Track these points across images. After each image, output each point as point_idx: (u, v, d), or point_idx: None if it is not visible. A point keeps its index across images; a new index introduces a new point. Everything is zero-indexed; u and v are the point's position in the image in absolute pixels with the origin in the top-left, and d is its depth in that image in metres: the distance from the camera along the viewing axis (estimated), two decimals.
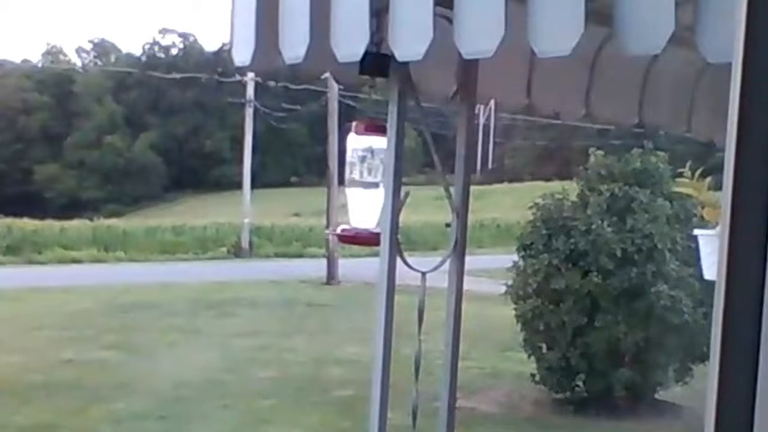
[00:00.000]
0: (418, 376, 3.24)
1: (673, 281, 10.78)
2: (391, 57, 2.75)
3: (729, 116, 1.16)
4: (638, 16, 2.20)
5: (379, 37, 2.80)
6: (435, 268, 3.27)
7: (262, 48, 2.99)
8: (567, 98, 4.02)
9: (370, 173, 3.22)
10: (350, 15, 2.72)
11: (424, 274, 3.23)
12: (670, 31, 2.13)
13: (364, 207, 3.25)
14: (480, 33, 2.42)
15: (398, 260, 3.10)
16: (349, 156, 3.27)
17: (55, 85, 73.05)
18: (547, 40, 2.32)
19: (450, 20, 2.52)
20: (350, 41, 2.73)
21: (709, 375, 1.17)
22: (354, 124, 3.30)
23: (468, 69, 3.35)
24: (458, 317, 3.40)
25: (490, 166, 62.46)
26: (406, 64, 2.90)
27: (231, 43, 3.16)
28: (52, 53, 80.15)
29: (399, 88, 3.03)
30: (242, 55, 3.06)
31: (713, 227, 3.49)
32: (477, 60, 3.16)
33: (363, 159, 3.23)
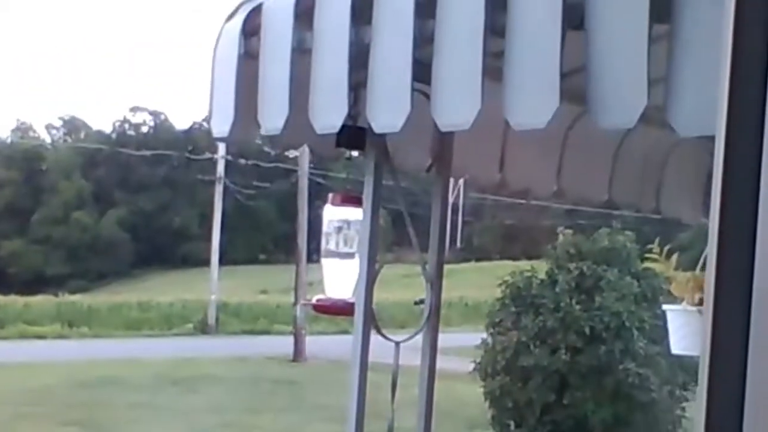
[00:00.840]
0: None
1: (641, 359, 10.82)
2: (368, 129, 2.80)
3: (713, 190, 1.18)
4: (612, 91, 2.26)
5: (357, 110, 2.85)
6: (410, 338, 3.29)
7: (241, 120, 3.03)
8: (539, 175, 4.08)
9: (346, 244, 3.26)
10: (329, 88, 2.77)
11: (398, 344, 3.24)
12: (642, 105, 2.19)
13: (340, 277, 3.27)
14: (457, 106, 2.47)
15: (372, 334, 3.11)
16: (326, 227, 3.30)
17: (23, 161, 72.78)
18: (523, 113, 2.37)
19: (426, 95, 2.57)
20: (328, 114, 2.77)
21: None
22: (330, 195, 3.34)
23: (444, 142, 3.40)
24: (431, 388, 3.41)
25: (458, 244, 62.62)
26: (382, 136, 2.95)
27: (209, 115, 3.20)
28: (22, 129, 79.99)
29: (375, 160, 3.08)
30: (221, 127, 3.10)
31: (681, 303, 3.54)
32: (453, 134, 3.21)
33: (339, 230, 3.26)
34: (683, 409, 11.17)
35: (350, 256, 3.23)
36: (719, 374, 1.15)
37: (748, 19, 1.17)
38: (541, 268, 12.19)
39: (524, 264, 14.28)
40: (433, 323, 3.41)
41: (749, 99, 1.16)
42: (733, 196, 1.16)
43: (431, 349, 3.42)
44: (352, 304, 3.12)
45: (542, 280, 11.83)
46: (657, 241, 3.88)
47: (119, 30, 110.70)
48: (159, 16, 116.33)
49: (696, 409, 1.17)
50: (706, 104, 2.11)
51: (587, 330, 11.00)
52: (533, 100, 2.34)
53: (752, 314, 1.13)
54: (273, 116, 2.90)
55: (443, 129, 2.64)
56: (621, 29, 2.26)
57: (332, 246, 3.28)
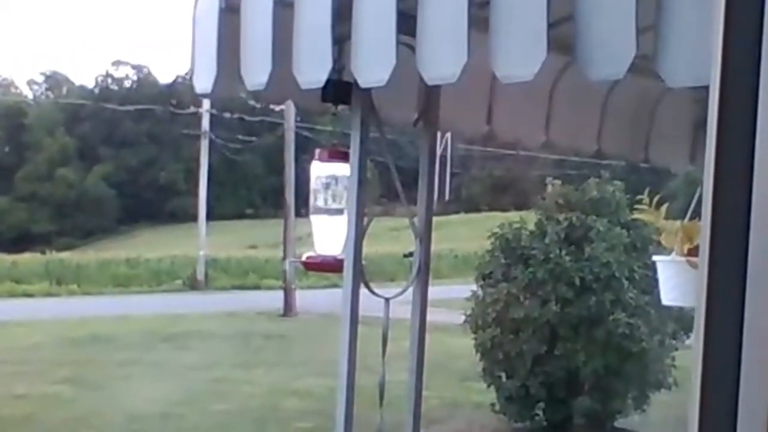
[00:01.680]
0: (383, 402, 3.23)
1: (631, 309, 10.85)
2: (354, 84, 2.75)
3: (707, 141, 1.16)
4: (599, 42, 2.22)
5: (341, 64, 2.81)
6: (399, 294, 3.27)
7: (224, 75, 2.98)
8: (527, 126, 4.04)
9: (334, 200, 3.23)
10: (312, 42, 2.72)
11: (387, 300, 3.23)
12: (631, 56, 2.15)
13: (329, 234, 3.24)
14: (443, 59, 2.44)
15: (361, 288, 3.10)
16: (313, 183, 3.27)
17: (5, 118, 72.33)
18: (510, 66, 2.33)
19: (412, 48, 2.53)
20: (312, 68, 2.74)
21: (690, 398, 1.16)
22: (317, 151, 3.30)
23: (430, 96, 3.36)
24: (422, 343, 3.40)
25: (447, 197, 62.65)
26: (368, 90, 2.91)
27: (192, 70, 3.16)
28: (3, 86, 79.49)
29: (361, 115, 3.04)
30: (203, 83, 3.06)
31: (671, 253, 3.53)
32: (439, 87, 3.17)
33: (327, 186, 3.23)
34: (673, 358, 11.21)
35: (339, 212, 3.21)
36: (715, 324, 1.14)
37: None
38: (531, 219, 12.18)
39: (513, 215, 14.28)
40: (422, 278, 3.39)
41: (744, 46, 1.13)
42: (728, 145, 1.14)
43: (421, 304, 3.40)
44: (341, 261, 3.10)
45: (531, 232, 11.82)
46: (646, 191, 3.86)
47: None
48: None
49: (692, 359, 1.16)
50: (695, 54, 2.08)
51: (577, 281, 11.02)
52: (520, 52, 2.31)
53: (749, 263, 1.11)
54: (256, 72, 2.86)
55: (429, 82, 2.60)
56: None
57: (320, 203, 3.25)
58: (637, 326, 10.75)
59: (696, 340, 1.15)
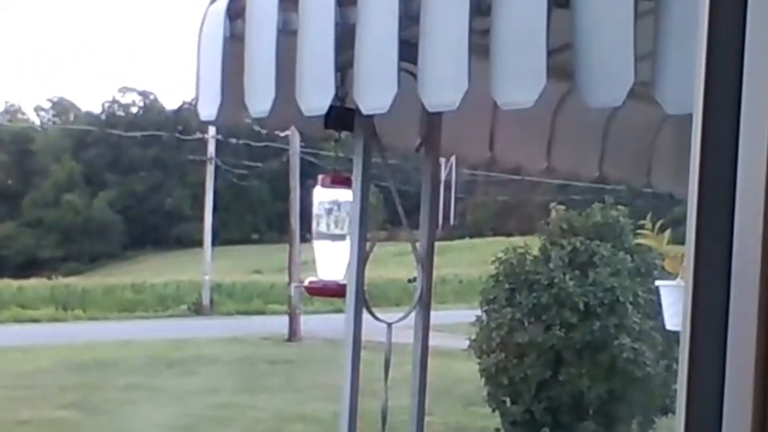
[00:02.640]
0: (386, 427, 3.24)
1: (635, 334, 10.84)
2: (356, 111, 2.78)
3: (690, 167, 1.18)
4: (599, 70, 2.24)
5: (344, 91, 2.84)
6: (401, 319, 3.29)
7: (228, 102, 3.01)
8: (529, 151, 4.07)
9: (336, 225, 3.25)
10: (315, 70, 2.75)
11: (390, 325, 3.25)
12: (629, 83, 2.18)
13: (332, 259, 3.27)
14: (444, 86, 2.46)
15: (364, 313, 3.11)
16: (316, 208, 3.29)
17: (12, 144, 72.52)
18: (510, 93, 2.35)
19: (414, 75, 2.56)
20: (315, 95, 2.76)
21: (676, 423, 1.19)
22: (320, 177, 3.33)
23: (432, 122, 3.39)
24: (424, 368, 3.42)
25: (451, 221, 62.64)
26: (370, 117, 2.93)
27: (196, 98, 3.19)
28: (10, 112, 79.65)
29: (364, 141, 3.07)
30: (208, 110, 3.09)
31: (674, 278, 3.54)
32: (440, 113, 3.20)
33: (329, 211, 3.26)
34: None
35: (341, 237, 3.23)
36: (699, 347, 1.16)
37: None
38: (535, 244, 12.19)
39: (518, 240, 14.29)
40: (424, 302, 3.41)
41: (726, 76, 1.16)
42: (710, 172, 1.17)
43: (424, 329, 3.42)
44: (344, 286, 3.12)
45: (536, 257, 11.83)
46: (649, 216, 3.88)
47: (107, 10, 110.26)
48: None
49: (678, 382, 1.18)
50: (692, 81, 2.10)
51: (581, 306, 11.01)
52: (520, 79, 2.33)
53: (731, 289, 1.14)
54: (260, 99, 2.88)
55: (431, 109, 2.63)
56: (607, 6, 2.25)
57: (323, 228, 3.27)
58: (642, 351, 10.73)
59: (681, 360, 1.18)
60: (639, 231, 3.98)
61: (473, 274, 34.98)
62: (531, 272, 11.51)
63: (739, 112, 1.14)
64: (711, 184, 1.16)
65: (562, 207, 12.51)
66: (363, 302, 3.07)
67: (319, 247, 3.31)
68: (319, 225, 3.28)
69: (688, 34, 2.13)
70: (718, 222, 1.15)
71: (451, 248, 51.83)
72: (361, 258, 3.06)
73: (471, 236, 61.06)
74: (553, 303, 11.13)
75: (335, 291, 3.27)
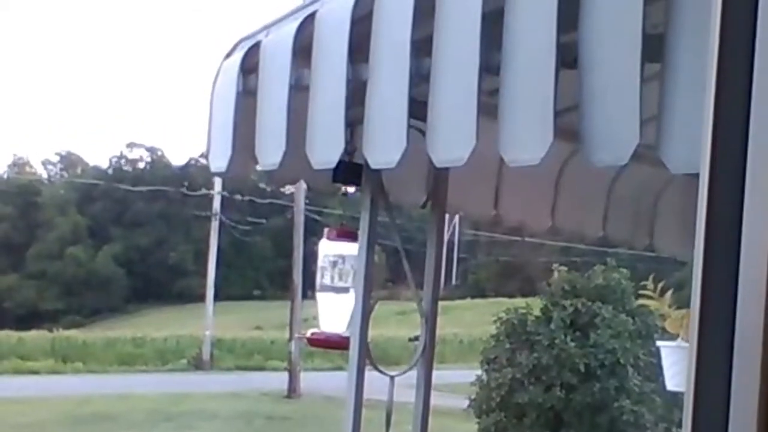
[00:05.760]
0: None
1: (635, 396, 10.82)
2: (364, 165, 2.83)
3: (696, 229, 1.21)
4: (604, 129, 2.28)
5: (353, 146, 2.89)
6: (403, 372, 3.30)
7: (239, 155, 3.05)
8: (533, 211, 4.11)
9: (341, 278, 3.28)
10: (326, 125, 2.80)
11: (392, 378, 3.26)
12: (634, 143, 2.21)
13: (334, 311, 3.29)
14: (452, 142, 2.50)
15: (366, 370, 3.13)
16: (321, 261, 3.32)
17: (18, 196, 72.75)
18: (517, 149, 2.39)
19: (422, 132, 2.60)
20: (325, 150, 2.80)
21: None
22: (326, 229, 3.37)
23: (439, 179, 3.43)
24: (425, 421, 3.42)
25: (453, 281, 62.57)
26: (378, 172, 2.98)
27: (207, 150, 3.23)
28: (18, 165, 79.99)
29: (371, 195, 3.11)
30: (218, 162, 3.13)
31: (675, 339, 3.56)
32: (447, 170, 3.24)
33: (334, 264, 3.29)
34: None
35: (345, 290, 3.26)
36: (703, 407, 1.17)
37: (730, 60, 1.21)
38: (536, 304, 12.21)
39: (519, 301, 14.30)
40: (427, 358, 3.43)
41: (732, 137, 1.19)
42: (716, 233, 1.19)
43: (425, 384, 3.43)
44: (346, 338, 3.14)
45: (537, 317, 11.84)
46: (651, 278, 3.91)
47: (116, 66, 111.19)
48: (155, 52, 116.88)
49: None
50: (697, 142, 2.14)
51: (582, 367, 11.00)
52: (527, 137, 2.37)
53: (735, 349, 1.16)
54: (270, 152, 2.92)
55: (438, 165, 2.67)
56: (613, 68, 2.29)
57: (327, 280, 3.30)
58: (642, 414, 10.70)
59: (685, 416, 1.19)
60: (641, 292, 4.01)
61: (474, 334, 34.86)
62: (532, 333, 11.52)
63: (744, 174, 1.18)
64: (717, 245, 1.19)
65: (565, 268, 12.54)
66: (366, 354, 3.09)
67: (323, 299, 3.34)
68: (323, 277, 3.31)
69: (694, 95, 2.17)
70: (722, 282, 1.17)
71: (453, 308, 51.66)
72: (366, 310, 3.09)
73: (472, 296, 60.92)
74: (553, 364, 11.12)
75: (337, 343, 3.29)
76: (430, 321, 3.43)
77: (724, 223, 1.18)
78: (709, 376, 1.17)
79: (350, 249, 3.24)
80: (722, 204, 1.19)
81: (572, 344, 11.10)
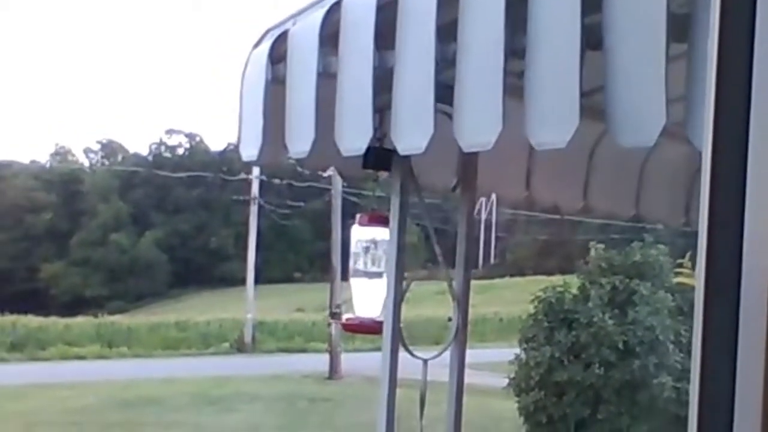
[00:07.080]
0: None
1: (677, 373, 10.76)
2: (393, 151, 2.84)
3: (701, 204, 1.23)
4: (631, 110, 2.28)
5: (382, 132, 2.90)
6: (437, 356, 3.33)
7: (269, 143, 3.08)
8: (565, 191, 4.10)
9: (373, 263, 3.30)
10: (354, 112, 2.81)
11: (425, 361, 3.28)
12: (661, 124, 2.21)
13: (368, 296, 3.32)
14: (479, 127, 2.51)
15: (401, 350, 3.15)
16: (353, 247, 3.35)
17: (62, 185, 73.55)
18: (544, 133, 2.39)
19: (450, 116, 2.61)
20: (354, 136, 2.82)
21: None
22: (358, 215, 3.39)
23: (468, 163, 3.44)
24: (459, 403, 3.44)
25: (492, 260, 62.46)
26: (407, 158, 2.99)
27: (239, 139, 3.27)
28: (61, 153, 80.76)
29: (401, 181, 3.13)
30: (250, 151, 3.16)
31: None
32: (476, 154, 3.25)
33: (367, 250, 3.31)
34: None
35: (378, 275, 3.28)
36: (710, 379, 1.18)
37: (731, 35, 1.22)
38: (574, 283, 12.18)
39: (558, 279, 14.26)
40: (460, 340, 3.44)
41: (734, 114, 1.20)
42: (720, 205, 1.20)
43: (459, 365, 3.45)
44: (380, 323, 3.17)
45: (575, 295, 11.81)
46: (687, 255, 3.89)
47: (154, 53, 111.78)
48: (193, 38, 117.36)
49: (689, 410, 1.21)
50: None
51: (620, 344, 10.97)
52: (554, 120, 2.37)
53: (740, 317, 1.17)
54: (300, 140, 2.95)
55: (466, 149, 2.68)
56: (639, 49, 2.29)
57: (360, 266, 3.33)
58: (685, 390, 10.64)
59: (692, 392, 1.20)
60: (677, 270, 3.99)
61: (513, 312, 34.80)
62: (570, 311, 11.50)
63: (746, 150, 1.19)
64: (720, 218, 1.20)
65: (602, 246, 12.50)
66: (399, 339, 3.11)
67: (356, 284, 3.37)
68: (356, 263, 3.34)
69: None
70: (727, 255, 1.19)
71: (492, 287, 51.65)
72: (398, 296, 3.11)
73: (511, 275, 60.80)
74: (592, 341, 11.10)
75: (371, 328, 3.31)
76: (463, 303, 3.44)
77: (728, 199, 1.20)
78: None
79: (382, 234, 3.27)
80: (725, 179, 1.20)
81: (610, 322, 11.07)
